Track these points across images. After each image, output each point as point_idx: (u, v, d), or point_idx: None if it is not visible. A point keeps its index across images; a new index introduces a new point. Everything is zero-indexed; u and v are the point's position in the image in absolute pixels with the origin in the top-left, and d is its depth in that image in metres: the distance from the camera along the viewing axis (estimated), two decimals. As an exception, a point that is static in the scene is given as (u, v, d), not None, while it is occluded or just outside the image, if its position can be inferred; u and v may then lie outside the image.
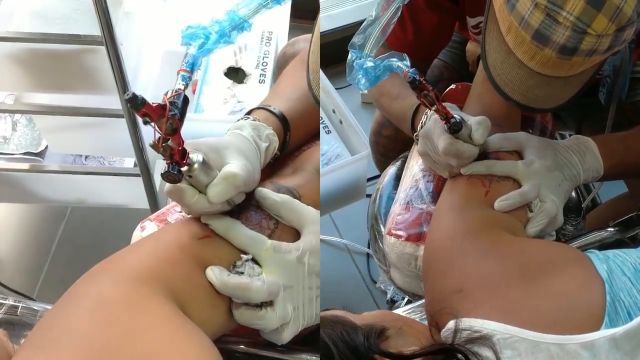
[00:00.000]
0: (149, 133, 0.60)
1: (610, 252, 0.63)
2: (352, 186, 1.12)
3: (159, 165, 1.47)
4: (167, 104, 0.58)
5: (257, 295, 0.62)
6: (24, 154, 1.46)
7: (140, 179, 1.33)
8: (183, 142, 0.60)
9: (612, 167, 0.83)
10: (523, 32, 0.69)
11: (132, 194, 1.42)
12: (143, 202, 1.40)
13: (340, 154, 1.10)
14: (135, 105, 0.55)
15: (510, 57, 0.74)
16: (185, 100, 0.61)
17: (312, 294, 0.66)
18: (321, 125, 1.13)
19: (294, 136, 0.80)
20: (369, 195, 1.09)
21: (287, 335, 0.65)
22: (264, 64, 1.26)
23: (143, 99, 0.55)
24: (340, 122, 1.11)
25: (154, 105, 0.57)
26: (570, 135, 0.88)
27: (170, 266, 0.61)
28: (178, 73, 0.64)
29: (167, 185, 0.63)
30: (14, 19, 1.15)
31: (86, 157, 1.57)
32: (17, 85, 1.22)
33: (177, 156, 0.59)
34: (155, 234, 0.71)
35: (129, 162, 1.54)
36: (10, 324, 0.76)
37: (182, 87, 0.62)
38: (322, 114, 1.15)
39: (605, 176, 0.84)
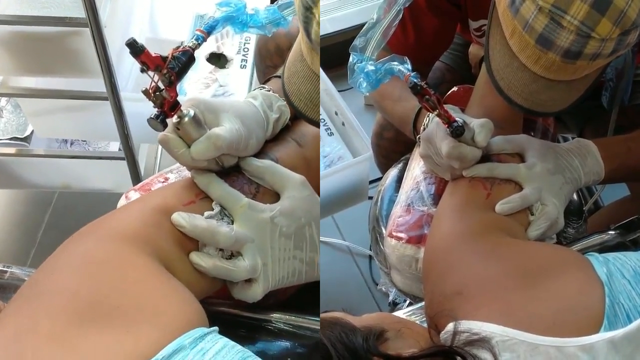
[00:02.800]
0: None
1: (610, 255, 0.62)
2: (354, 188, 1.12)
3: (143, 149, 1.48)
4: (169, 56, 0.61)
5: (224, 239, 0.63)
6: (10, 139, 1.46)
7: (125, 163, 1.34)
8: (177, 95, 0.62)
9: (613, 171, 0.83)
10: (527, 36, 0.69)
11: (117, 178, 1.43)
12: (128, 187, 1.39)
13: (342, 156, 1.10)
14: (135, 51, 0.58)
15: (514, 61, 0.74)
16: (191, 59, 0.63)
17: (282, 255, 0.67)
18: (324, 127, 1.14)
19: None
20: (371, 198, 1.09)
21: (256, 292, 0.66)
22: (245, 49, 1.27)
23: (142, 46, 0.58)
24: (343, 124, 1.11)
25: (154, 55, 0.60)
26: (572, 138, 0.88)
27: (156, 228, 0.62)
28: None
29: (160, 133, 0.65)
30: (-2, 2, 1.15)
31: (72, 143, 1.58)
32: (1, 69, 1.22)
33: (166, 107, 0.62)
34: (142, 198, 0.73)
35: (114, 146, 1.55)
36: (-1, 287, 0.78)
37: (191, 46, 0.64)
38: (324, 115, 1.15)
39: (606, 179, 0.84)
